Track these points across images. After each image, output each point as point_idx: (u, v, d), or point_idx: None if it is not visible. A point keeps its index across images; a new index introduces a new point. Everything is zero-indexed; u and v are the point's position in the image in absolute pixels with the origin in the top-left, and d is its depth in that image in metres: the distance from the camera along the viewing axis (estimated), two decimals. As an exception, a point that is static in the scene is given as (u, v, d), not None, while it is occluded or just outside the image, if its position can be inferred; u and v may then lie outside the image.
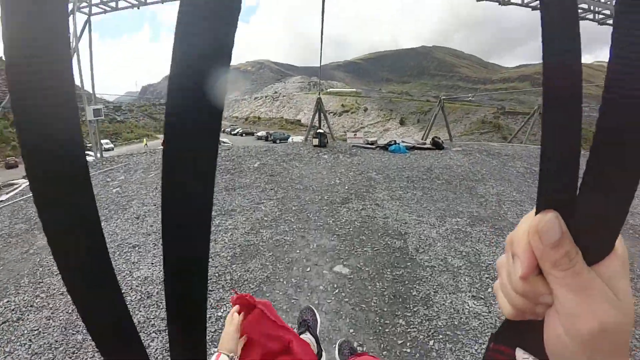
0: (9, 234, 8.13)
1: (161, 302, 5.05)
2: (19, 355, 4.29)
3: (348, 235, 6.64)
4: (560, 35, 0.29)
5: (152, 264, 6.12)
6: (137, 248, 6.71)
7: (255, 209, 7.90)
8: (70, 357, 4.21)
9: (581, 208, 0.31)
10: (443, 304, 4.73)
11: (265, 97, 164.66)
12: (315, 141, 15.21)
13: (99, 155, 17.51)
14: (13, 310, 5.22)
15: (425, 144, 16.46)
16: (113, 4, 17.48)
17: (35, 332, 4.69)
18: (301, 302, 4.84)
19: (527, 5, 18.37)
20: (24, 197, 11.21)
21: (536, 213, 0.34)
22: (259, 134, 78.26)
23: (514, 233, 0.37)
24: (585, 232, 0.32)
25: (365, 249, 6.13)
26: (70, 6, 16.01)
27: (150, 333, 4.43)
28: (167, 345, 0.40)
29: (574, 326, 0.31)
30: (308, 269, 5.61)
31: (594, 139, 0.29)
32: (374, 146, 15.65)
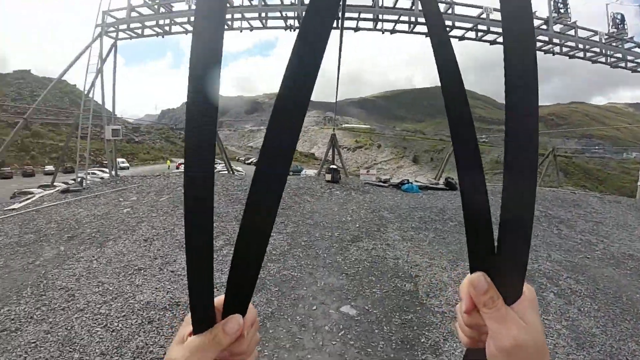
0: (17, 243, 8.31)
1: (161, 329, 4.97)
2: (13, 367, 4.21)
3: (357, 275, 6.51)
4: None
5: (156, 288, 6.07)
6: (142, 271, 6.69)
7: (264, 242, 7.82)
8: (64, 375, 4.13)
9: (499, 270, 0.48)
10: (453, 353, 4.56)
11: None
12: (328, 176, 15.21)
13: (114, 173, 17.94)
14: (13, 320, 5.26)
15: (438, 184, 16.37)
16: (139, 31, 18.32)
17: (33, 345, 4.68)
18: (305, 342, 4.71)
19: (480, 39, 18.66)
20: (37, 207, 11.39)
21: (471, 272, 0.51)
22: (273, 164, 77.94)
23: (461, 284, 0.53)
24: (502, 284, 0.48)
25: (374, 290, 5.99)
26: (98, 30, 16.85)
27: (148, 359, 4.34)
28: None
29: (498, 344, 0.47)
30: (314, 308, 5.48)
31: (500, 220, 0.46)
32: (386, 184, 15.61)
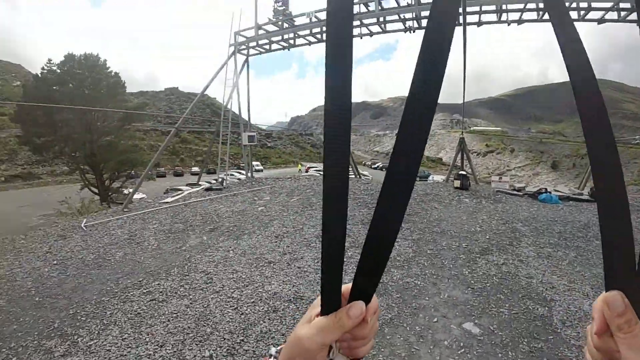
0: (169, 230, 10.03)
1: (284, 319, 5.34)
2: (157, 330, 5.16)
3: (484, 291, 6.14)
4: None
5: (283, 281, 6.59)
6: (272, 264, 7.34)
7: (387, 247, 7.89)
8: (197, 344, 4.81)
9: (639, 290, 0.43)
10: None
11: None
12: (457, 183, 14.63)
13: (249, 174, 20.15)
14: (161, 292, 6.38)
15: (582, 194, 14.58)
16: (267, 46, 20.27)
17: (174, 315, 5.56)
18: (421, 354, 4.61)
19: (624, 20, 14.91)
20: (185, 202, 13.28)
21: (606, 290, 0.45)
22: (399, 169, 77.74)
23: (594, 303, 0.47)
24: None
25: (501, 309, 5.58)
26: (232, 49, 19.30)
27: (269, 344, 4.71)
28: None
29: None
30: (435, 320, 5.33)
31: None
32: (521, 193, 14.43)
